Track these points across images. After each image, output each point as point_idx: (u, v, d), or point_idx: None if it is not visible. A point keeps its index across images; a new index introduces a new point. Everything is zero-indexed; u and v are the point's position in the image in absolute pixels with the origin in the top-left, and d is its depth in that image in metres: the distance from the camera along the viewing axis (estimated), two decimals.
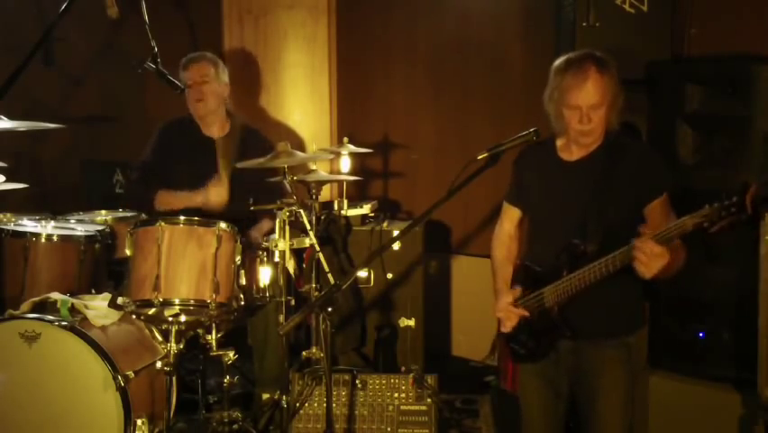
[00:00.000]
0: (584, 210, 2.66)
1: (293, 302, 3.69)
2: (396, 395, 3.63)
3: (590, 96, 2.60)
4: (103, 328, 3.35)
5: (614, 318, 2.70)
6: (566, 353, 2.75)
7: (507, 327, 2.80)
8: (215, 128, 4.13)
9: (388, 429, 3.59)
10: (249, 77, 5.16)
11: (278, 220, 3.58)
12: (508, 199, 2.96)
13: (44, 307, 3.40)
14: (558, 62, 2.69)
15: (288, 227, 3.56)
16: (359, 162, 4.66)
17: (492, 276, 2.94)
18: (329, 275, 3.62)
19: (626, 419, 2.73)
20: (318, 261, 3.68)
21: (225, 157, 3.97)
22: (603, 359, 2.71)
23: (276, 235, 3.59)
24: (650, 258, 2.41)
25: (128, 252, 3.38)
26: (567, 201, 2.73)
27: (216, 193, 3.93)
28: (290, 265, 3.63)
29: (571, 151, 2.76)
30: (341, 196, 4.29)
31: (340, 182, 4.38)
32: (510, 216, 2.97)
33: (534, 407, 2.87)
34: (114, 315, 3.42)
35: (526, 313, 2.75)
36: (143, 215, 3.98)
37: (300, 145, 5.03)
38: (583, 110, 2.62)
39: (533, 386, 2.85)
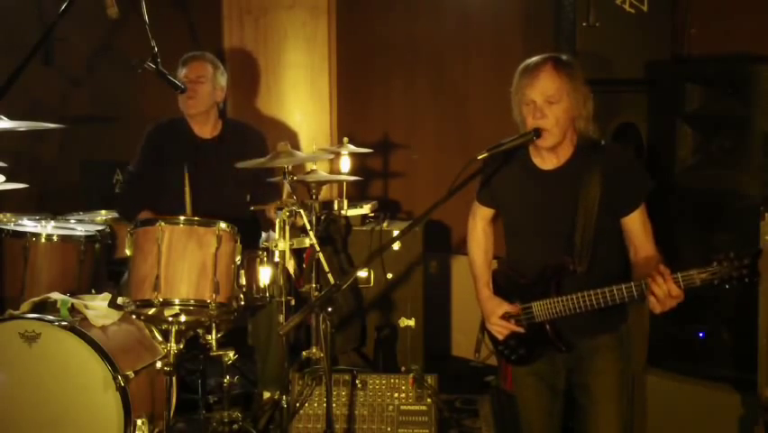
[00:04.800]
0: (567, 224, 2.62)
1: (293, 302, 3.69)
2: (396, 395, 3.63)
3: (543, 89, 2.56)
4: (103, 328, 3.35)
5: (601, 318, 2.66)
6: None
7: (500, 338, 2.79)
8: (208, 128, 4.10)
9: (388, 429, 3.59)
10: (249, 77, 5.17)
11: (278, 220, 3.58)
12: (480, 200, 2.91)
13: (44, 307, 3.40)
14: (520, 66, 2.67)
15: (288, 227, 3.56)
16: (359, 162, 4.66)
17: (473, 280, 2.92)
18: (329, 275, 3.62)
19: (620, 402, 2.72)
20: (318, 261, 3.68)
21: (220, 157, 3.95)
22: (597, 345, 2.71)
23: (276, 235, 3.59)
24: (667, 298, 2.40)
25: (128, 252, 3.37)
26: (548, 214, 2.68)
27: None
28: (290, 265, 3.63)
29: (542, 157, 2.70)
30: (341, 196, 4.29)
31: (340, 182, 4.38)
32: (483, 215, 2.93)
33: (532, 405, 2.86)
34: (114, 315, 3.42)
35: (520, 329, 2.73)
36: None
37: (300, 145, 5.04)
38: (537, 103, 2.57)
39: (528, 385, 2.85)
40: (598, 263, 2.62)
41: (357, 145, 4.19)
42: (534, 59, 2.64)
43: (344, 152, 4.15)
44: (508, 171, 2.76)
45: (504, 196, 2.82)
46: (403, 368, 4.19)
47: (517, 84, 2.63)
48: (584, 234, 2.60)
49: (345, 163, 4.23)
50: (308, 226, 3.59)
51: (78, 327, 3.25)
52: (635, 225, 2.64)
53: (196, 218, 3.40)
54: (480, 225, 2.94)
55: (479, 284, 2.89)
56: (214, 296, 3.29)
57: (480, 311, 2.87)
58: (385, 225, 4.43)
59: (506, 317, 2.76)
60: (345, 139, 4.19)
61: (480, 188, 2.87)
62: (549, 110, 2.57)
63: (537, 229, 2.72)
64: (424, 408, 3.62)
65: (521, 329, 2.73)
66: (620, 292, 2.49)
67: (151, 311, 3.31)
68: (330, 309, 2.58)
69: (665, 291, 2.39)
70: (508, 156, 2.70)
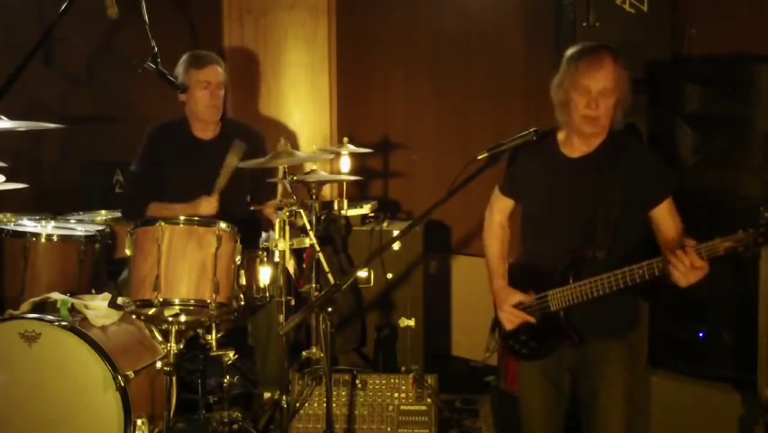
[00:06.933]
0: (590, 211, 2.63)
1: (293, 302, 3.69)
2: (396, 395, 3.63)
3: (603, 81, 2.60)
4: (103, 328, 3.35)
5: (616, 318, 2.68)
6: (568, 349, 2.73)
7: (509, 327, 2.78)
8: (210, 130, 4.09)
9: (388, 429, 3.59)
10: (249, 77, 5.16)
11: (278, 220, 3.58)
12: (503, 190, 2.93)
13: (44, 307, 3.40)
14: (572, 50, 2.67)
15: (288, 227, 3.56)
16: (359, 162, 4.66)
17: (488, 272, 2.92)
18: (329, 275, 3.63)
19: (627, 411, 2.72)
20: (318, 261, 3.68)
21: (219, 157, 3.95)
22: (606, 351, 2.71)
23: (276, 235, 3.59)
24: (689, 270, 2.40)
25: (128, 252, 3.37)
26: (571, 200, 2.70)
27: (207, 206, 3.80)
28: (290, 265, 3.63)
29: (572, 145, 2.73)
30: (341, 196, 4.29)
31: (340, 182, 4.38)
32: (501, 207, 2.94)
33: (536, 404, 2.85)
34: (114, 315, 3.42)
35: (532, 319, 2.73)
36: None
37: (300, 145, 5.04)
38: (593, 94, 2.60)
39: (534, 383, 2.84)
40: (619, 251, 2.60)
41: (357, 145, 4.19)
42: (589, 45, 2.67)
43: (344, 151, 4.15)
44: (536, 160, 2.78)
45: (528, 185, 2.82)
46: (403, 368, 4.19)
47: (572, 69, 2.63)
48: (606, 222, 2.60)
49: (345, 163, 4.23)
50: (308, 226, 3.59)
51: (78, 326, 3.25)
52: (663, 213, 2.65)
53: (195, 218, 3.40)
54: (497, 218, 2.96)
55: (493, 275, 2.89)
56: (214, 296, 3.29)
57: (493, 303, 2.87)
58: (385, 225, 4.43)
59: (518, 306, 2.75)
60: (345, 139, 4.19)
61: (504, 177, 2.89)
62: (602, 101, 2.61)
63: (558, 217, 2.72)
64: (424, 408, 3.62)
65: (532, 319, 2.73)
66: (641, 271, 2.48)
67: (151, 311, 3.31)
68: (330, 309, 2.59)
69: (687, 264, 2.39)
70: (536, 146, 2.69)
